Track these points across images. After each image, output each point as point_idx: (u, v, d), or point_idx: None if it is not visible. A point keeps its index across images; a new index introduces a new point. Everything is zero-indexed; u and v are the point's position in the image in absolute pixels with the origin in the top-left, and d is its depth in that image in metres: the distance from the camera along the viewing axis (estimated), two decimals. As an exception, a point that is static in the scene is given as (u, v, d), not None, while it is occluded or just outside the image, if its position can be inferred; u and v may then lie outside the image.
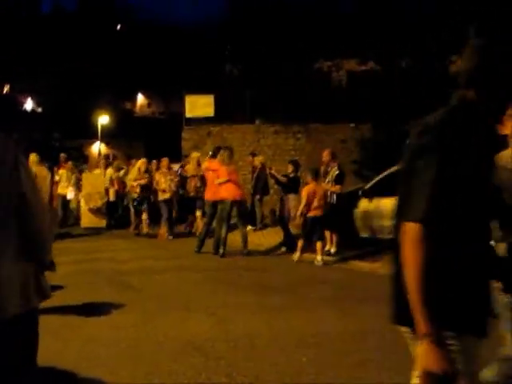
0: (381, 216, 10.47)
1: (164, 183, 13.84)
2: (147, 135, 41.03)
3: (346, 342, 5.61)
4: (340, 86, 21.41)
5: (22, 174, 2.81)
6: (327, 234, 10.82)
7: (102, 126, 38.25)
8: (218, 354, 5.28)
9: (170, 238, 13.70)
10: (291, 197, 11.94)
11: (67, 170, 16.86)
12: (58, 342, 5.59)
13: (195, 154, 14.56)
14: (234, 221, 11.47)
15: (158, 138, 38.06)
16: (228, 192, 10.98)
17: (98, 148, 38.94)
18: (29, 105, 50.30)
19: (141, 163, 14.55)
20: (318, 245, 10.26)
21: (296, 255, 10.45)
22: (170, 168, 14.55)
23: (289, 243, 11.63)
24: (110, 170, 16.42)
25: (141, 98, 57.67)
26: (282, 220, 12.04)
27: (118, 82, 47.80)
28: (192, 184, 13.81)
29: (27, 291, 2.87)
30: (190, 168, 14.15)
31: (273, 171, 12.22)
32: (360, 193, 11.27)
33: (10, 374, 2.91)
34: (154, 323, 6.30)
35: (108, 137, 40.04)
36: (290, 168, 12.26)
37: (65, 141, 36.96)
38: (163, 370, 4.88)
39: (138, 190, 14.26)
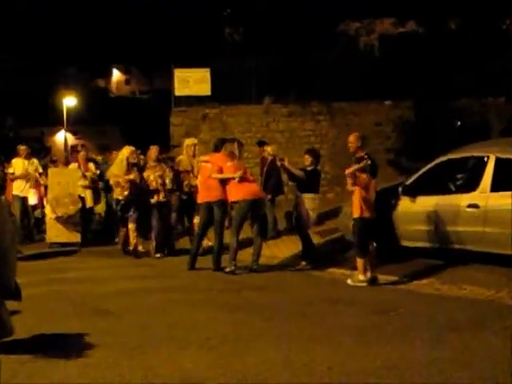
0: (426, 220, 10.40)
1: (154, 181, 13.32)
2: (125, 120, 41.08)
3: (384, 382, 5.54)
4: (371, 53, 21.30)
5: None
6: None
7: (67, 110, 38.26)
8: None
9: (157, 256, 13.25)
10: (309, 196, 11.83)
11: (22, 158, 16.07)
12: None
13: (190, 141, 14.10)
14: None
15: (139, 123, 38.14)
16: (245, 190, 11.06)
17: (63, 137, 39.02)
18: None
19: (128, 152, 13.60)
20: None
21: (359, 277, 9.98)
22: (160, 160, 13.98)
23: (310, 255, 11.58)
24: (91, 165, 16.04)
25: (117, 74, 57.78)
26: (299, 226, 11.95)
27: (88, 55, 47.87)
28: (185, 183, 13.55)
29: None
30: (184, 160, 13.71)
31: (285, 163, 12.09)
32: (400, 190, 11.20)
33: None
34: (138, 361, 6.24)
35: (76, 123, 40.11)
36: (308, 159, 12.14)
37: (20, 129, 37.03)
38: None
39: (126, 189, 13.26)
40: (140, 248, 13.65)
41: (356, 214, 9.78)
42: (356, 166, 9.76)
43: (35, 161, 16.68)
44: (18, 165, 16.03)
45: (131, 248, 13.54)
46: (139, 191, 13.46)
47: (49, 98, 40.98)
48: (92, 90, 49.50)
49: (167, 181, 13.41)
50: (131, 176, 13.25)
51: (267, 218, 13.43)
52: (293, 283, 10.44)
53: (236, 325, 7.60)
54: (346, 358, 6.15)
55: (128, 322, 7.91)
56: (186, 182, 13.49)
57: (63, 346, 6.81)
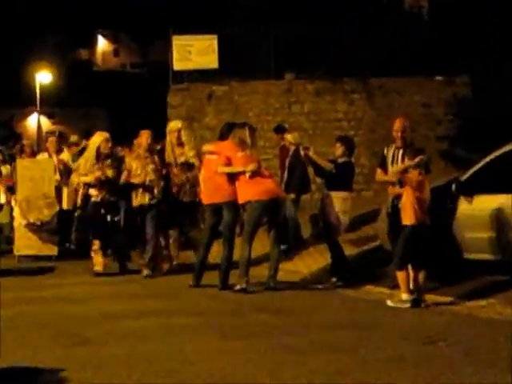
0: (488, 225, 10.33)
1: (140, 175, 12.75)
2: (113, 100, 41.16)
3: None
4: (419, 18, 21.24)
5: None
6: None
7: (41, 88, 38.39)
8: None
9: (146, 273, 12.88)
10: (340, 195, 11.76)
11: None
12: None
13: (174, 124, 13.87)
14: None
15: (129, 104, 38.22)
16: (258, 188, 10.97)
17: (36, 122, 39.17)
18: None
19: (99, 140, 13.12)
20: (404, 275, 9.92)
21: (401, 296, 9.86)
22: (152, 151, 13.29)
23: (341, 269, 11.53)
24: (65, 154, 15.72)
25: (103, 43, 57.99)
26: (327, 233, 11.87)
27: (69, 20, 48.05)
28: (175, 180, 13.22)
29: None
30: (167, 150, 13.40)
31: (311, 153, 12.01)
32: (454, 187, 11.11)
33: None
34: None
35: (52, 104, 40.25)
36: (340, 149, 12.11)
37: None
38: None
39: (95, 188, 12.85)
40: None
41: (408, 221, 9.66)
42: (408, 163, 9.62)
43: None
44: None
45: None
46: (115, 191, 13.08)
47: (19, 73, 41.18)
48: (72, 63, 49.70)
49: (156, 177, 12.93)
50: (97, 174, 12.82)
51: (288, 223, 13.38)
52: (318, 305, 10.31)
53: (246, 358, 7.53)
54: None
55: (111, 352, 7.85)
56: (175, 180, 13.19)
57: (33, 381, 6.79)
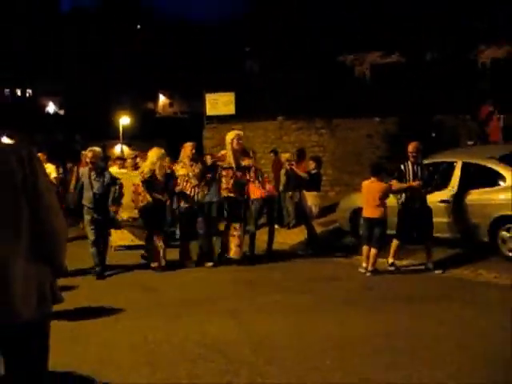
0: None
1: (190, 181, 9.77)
2: (169, 134, 41.33)
3: (372, 344, 5.48)
4: (364, 79, 21.20)
5: (38, 174, 2.80)
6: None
7: (123, 127, 38.62)
8: (239, 357, 5.21)
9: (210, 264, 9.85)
10: (312, 194, 11.80)
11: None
12: (77, 345, 5.58)
13: (232, 133, 10.29)
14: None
15: (179, 137, 38.23)
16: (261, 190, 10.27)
17: (120, 149, 39.24)
18: (51, 107, 50.98)
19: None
20: (366, 251, 8.95)
21: (364, 265, 8.96)
22: (195, 159, 9.98)
23: (313, 242, 11.28)
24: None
25: (163, 99, 57.98)
26: (305, 218, 11.81)
27: (141, 83, 48.08)
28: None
29: (43, 294, 2.84)
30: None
31: (294, 167, 11.98)
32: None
33: (23, 381, 2.88)
34: (174, 326, 6.25)
35: (130, 138, 40.32)
36: (312, 164, 12.15)
37: (87, 142, 37.35)
38: (182, 374, 4.83)
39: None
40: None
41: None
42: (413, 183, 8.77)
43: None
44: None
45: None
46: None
47: (110, 118, 41.33)
48: (143, 111, 49.72)
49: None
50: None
51: (287, 211, 13.20)
52: (303, 265, 9.91)
53: (254, 297, 7.57)
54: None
55: (167, 295, 7.87)
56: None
57: (115, 313, 6.79)
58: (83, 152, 14.50)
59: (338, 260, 10.27)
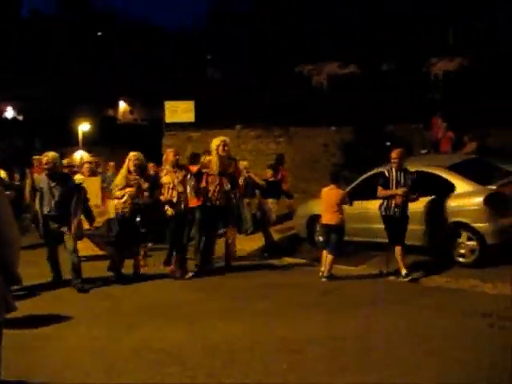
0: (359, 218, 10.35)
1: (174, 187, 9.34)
2: (129, 141, 40.96)
3: (328, 348, 5.53)
4: (321, 89, 21.41)
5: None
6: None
7: (83, 134, 38.24)
8: (195, 362, 5.19)
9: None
10: (270, 201, 11.83)
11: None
12: (32, 354, 5.47)
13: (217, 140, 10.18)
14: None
15: (139, 143, 37.87)
16: None
17: (80, 155, 38.67)
18: (9, 113, 49.94)
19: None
20: (324, 256, 8.97)
21: (322, 269, 8.95)
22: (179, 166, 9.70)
23: (270, 248, 11.37)
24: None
25: (123, 105, 57.42)
26: (262, 224, 11.85)
27: (101, 91, 47.53)
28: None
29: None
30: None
31: (251, 175, 11.95)
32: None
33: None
34: (131, 333, 6.18)
35: (89, 144, 39.81)
36: (269, 172, 12.18)
37: (46, 149, 36.74)
38: (139, 380, 4.79)
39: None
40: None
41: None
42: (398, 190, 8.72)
43: None
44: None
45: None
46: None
47: (69, 125, 40.79)
48: (103, 118, 49.16)
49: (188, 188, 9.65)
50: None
51: (246, 217, 13.13)
52: (260, 271, 9.87)
53: (210, 303, 7.54)
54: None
55: (125, 303, 7.78)
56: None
57: (75, 320, 6.68)
58: (34, 157, 14.18)
59: (294, 266, 10.32)
